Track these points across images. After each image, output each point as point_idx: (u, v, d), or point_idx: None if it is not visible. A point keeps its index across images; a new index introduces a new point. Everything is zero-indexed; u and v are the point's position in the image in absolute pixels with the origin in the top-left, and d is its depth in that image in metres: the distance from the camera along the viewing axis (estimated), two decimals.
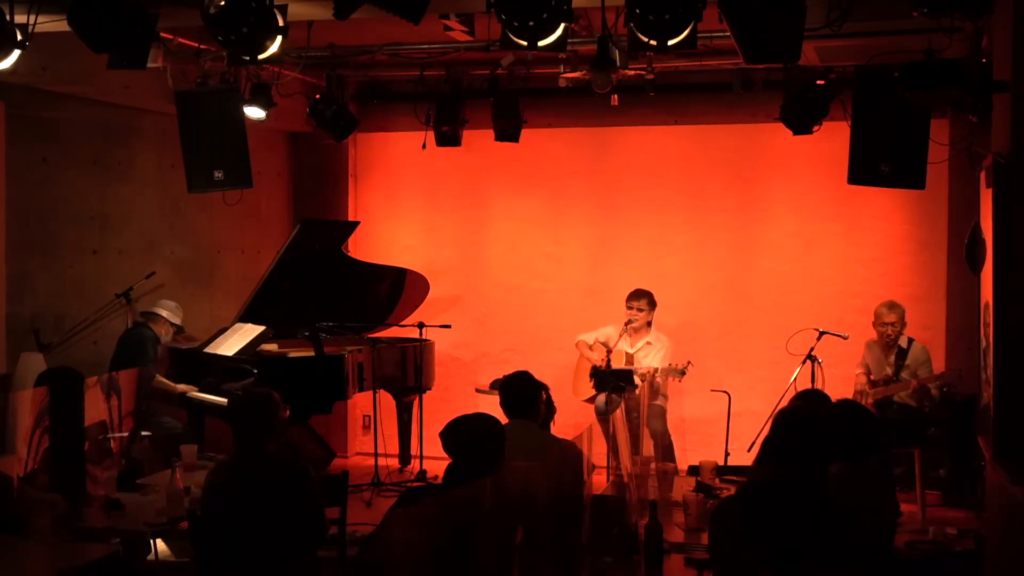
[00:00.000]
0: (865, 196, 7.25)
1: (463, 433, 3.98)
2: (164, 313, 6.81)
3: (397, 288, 7.98)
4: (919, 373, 6.83)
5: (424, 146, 7.88)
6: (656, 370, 7.17)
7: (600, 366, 6.97)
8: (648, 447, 7.24)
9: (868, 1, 4.78)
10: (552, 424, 5.20)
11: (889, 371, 6.90)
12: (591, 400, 7.37)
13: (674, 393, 7.55)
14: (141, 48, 4.77)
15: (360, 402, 8.27)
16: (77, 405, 5.02)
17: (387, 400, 7.88)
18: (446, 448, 4.03)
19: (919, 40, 4.64)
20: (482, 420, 4.07)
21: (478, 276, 8.67)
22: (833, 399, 4.51)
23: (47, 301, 6.54)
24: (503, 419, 4.49)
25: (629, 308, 7.37)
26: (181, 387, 6.91)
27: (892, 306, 6.96)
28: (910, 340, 6.95)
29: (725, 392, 7.11)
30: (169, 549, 5.09)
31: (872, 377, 7.02)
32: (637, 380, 7.20)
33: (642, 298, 7.39)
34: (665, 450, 7.16)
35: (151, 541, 4.89)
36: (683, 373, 7.06)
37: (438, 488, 3.85)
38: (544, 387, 5.03)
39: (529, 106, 7.73)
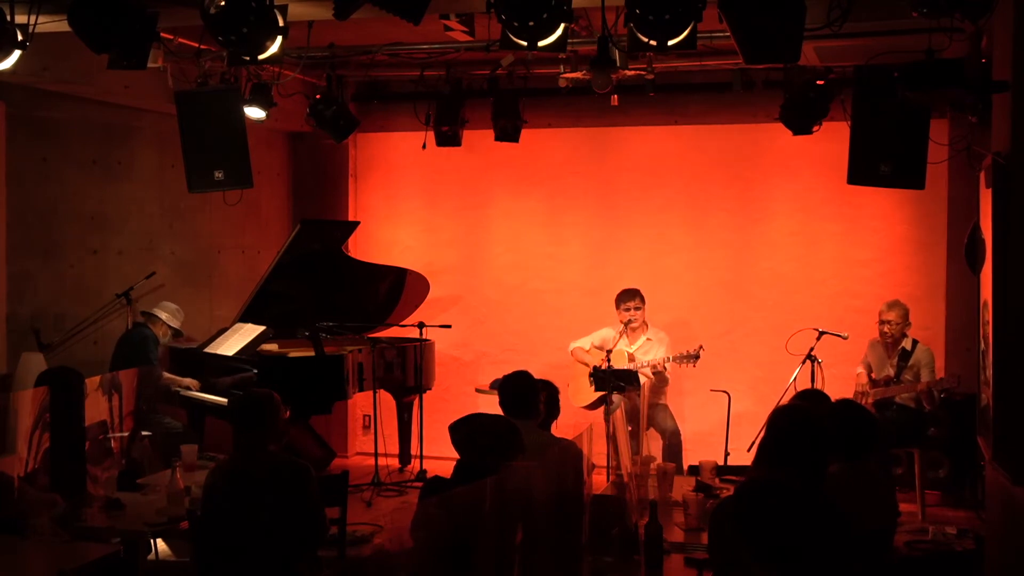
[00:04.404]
0: (865, 196, 7.25)
1: (478, 432, 3.98)
2: (163, 316, 6.82)
3: (397, 288, 7.98)
4: (921, 375, 6.82)
5: (424, 146, 7.88)
6: (668, 359, 7.18)
7: (600, 366, 6.95)
8: (647, 447, 7.25)
9: (868, 1, 4.78)
10: (554, 424, 5.20)
11: (891, 371, 6.89)
12: (592, 407, 7.35)
13: (674, 393, 7.55)
14: (141, 48, 4.76)
15: (360, 402, 8.28)
16: (77, 405, 5.02)
17: (387, 400, 7.89)
18: (455, 442, 4.03)
19: (919, 40, 4.63)
20: (505, 424, 4.08)
21: (478, 276, 8.67)
22: (833, 399, 4.51)
23: (47, 301, 6.55)
24: None
25: (625, 310, 7.36)
26: (187, 381, 6.94)
27: (893, 305, 6.96)
28: (914, 342, 6.94)
29: (725, 392, 7.10)
30: (169, 549, 5.09)
31: (873, 375, 7.02)
32: (648, 373, 7.20)
33: (635, 297, 7.39)
34: (675, 449, 7.16)
35: (151, 541, 4.89)
36: (696, 357, 7.07)
37: (449, 482, 3.86)
38: (546, 387, 5.03)
39: (529, 106, 7.73)
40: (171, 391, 6.94)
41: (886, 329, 6.92)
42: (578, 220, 8.46)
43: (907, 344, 6.92)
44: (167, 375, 6.93)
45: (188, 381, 6.96)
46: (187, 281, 7.69)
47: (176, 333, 6.96)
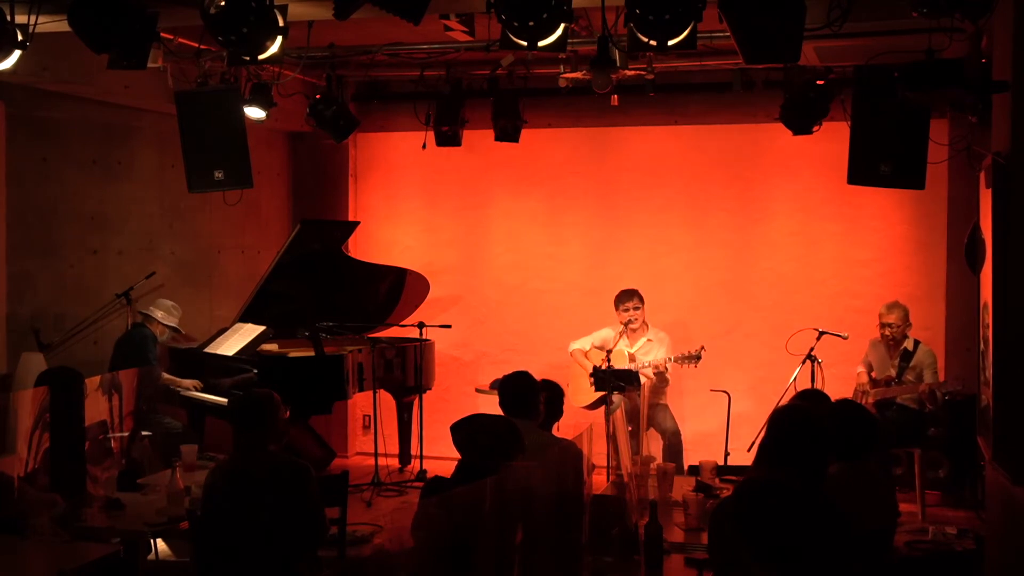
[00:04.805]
0: (865, 196, 7.25)
1: (480, 433, 3.99)
2: (159, 314, 6.78)
3: (397, 288, 7.98)
4: (924, 376, 6.81)
5: (424, 146, 7.88)
6: (670, 359, 7.18)
7: (600, 366, 6.95)
8: (647, 447, 7.24)
9: (868, 1, 4.78)
10: (556, 425, 5.20)
11: (892, 372, 6.89)
12: (592, 407, 7.36)
13: (674, 393, 7.55)
14: (141, 48, 4.76)
15: (360, 402, 8.28)
16: (77, 405, 5.02)
17: (387, 400, 7.88)
18: (456, 442, 4.03)
19: (919, 40, 4.63)
20: (506, 424, 4.08)
21: (478, 276, 8.67)
22: (833, 399, 4.51)
23: (47, 301, 6.54)
24: None
25: (624, 310, 7.36)
26: (188, 382, 6.92)
27: (892, 307, 6.94)
28: (916, 342, 6.93)
29: (725, 392, 7.10)
30: (169, 549, 5.09)
31: (873, 375, 7.02)
32: (649, 374, 7.20)
33: (634, 296, 7.39)
34: (675, 449, 7.16)
35: (151, 541, 4.89)
36: (698, 358, 7.07)
37: (450, 482, 3.86)
38: (549, 388, 5.03)
39: (529, 106, 7.73)
40: (171, 391, 6.93)
41: (887, 332, 6.91)
42: (578, 220, 8.46)
43: (909, 345, 6.91)
44: (167, 376, 6.90)
45: (189, 383, 6.93)
46: (187, 281, 7.69)
47: (174, 330, 6.93)
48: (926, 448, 6.81)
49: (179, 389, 6.91)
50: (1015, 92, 4.42)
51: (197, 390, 6.92)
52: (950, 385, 6.63)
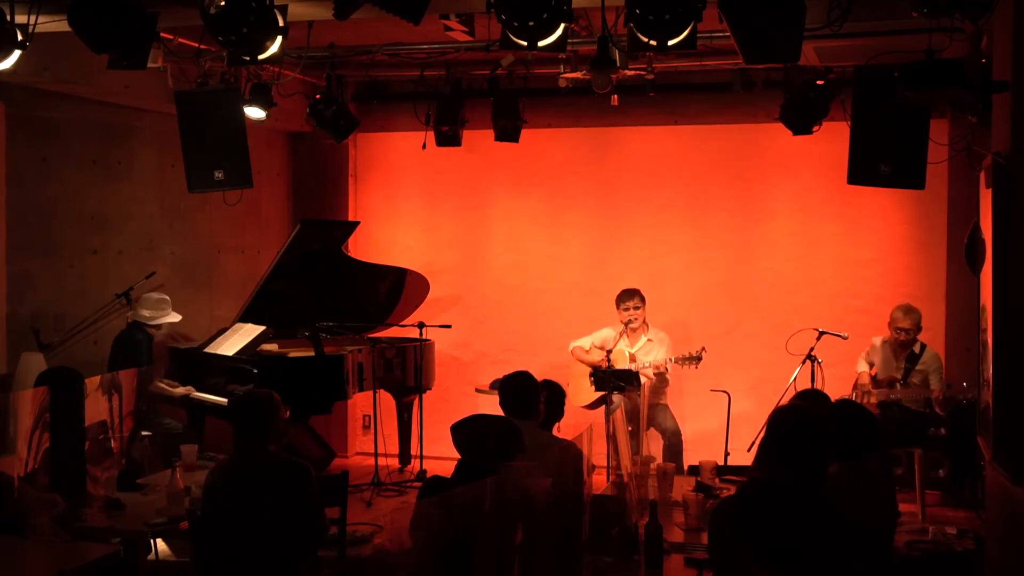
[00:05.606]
0: (865, 196, 7.26)
1: (480, 433, 3.99)
2: (145, 315, 6.69)
3: (397, 288, 7.98)
4: (930, 380, 6.79)
5: (424, 146, 7.88)
6: (670, 360, 7.18)
7: (601, 367, 6.95)
8: (648, 447, 7.24)
9: (868, 1, 4.78)
10: (557, 425, 5.20)
11: (897, 373, 6.88)
12: (591, 406, 7.36)
13: (675, 393, 7.55)
14: (141, 48, 4.76)
15: (360, 402, 8.28)
16: (77, 405, 5.02)
17: (387, 400, 7.88)
18: (456, 442, 4.03)
19: (919, 40, 4.63)
20: (506, 424, 4.08)
21: (478, 276, 8.67)
22: (833, 399, 4.52)
23: (47, 301, 6.54)
24: None
25: (625, 309, 7.36)
26: (180, 390, 6.87)
27: (908, 311, 6.88)
28: (923, 345, 6.91)
29: (725, 392, 7.11)
30: (169, 549, 5.09)
31: (874, 372, 7.01)
32: (649, 374, 7.20)
33: (635, 296, 7.39)
34: (675, 449, 7.16)
35: (151, 541, 4.89)
36: (699, 359, 7.08)
37: (450, 482, 3.86)
38: (550, 388, 5.03)
39: (529, 106, 7.73)
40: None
41: (902, 337, 6.87)
42: (578, 220, 8.46)
43: (916, 347, 6.89)
44: (158, 383, 6.74)
45: (181, 391, 6.87)
46: (187, 281, 7.69)
47: (170, 322, 6.84)
48: (926, 448, 6.81)
49: (171, 395, 6.83)
50: (1015, 92, 4.42)
51: (189, 394, 6.87)
52: (968, 391, 6.57)
